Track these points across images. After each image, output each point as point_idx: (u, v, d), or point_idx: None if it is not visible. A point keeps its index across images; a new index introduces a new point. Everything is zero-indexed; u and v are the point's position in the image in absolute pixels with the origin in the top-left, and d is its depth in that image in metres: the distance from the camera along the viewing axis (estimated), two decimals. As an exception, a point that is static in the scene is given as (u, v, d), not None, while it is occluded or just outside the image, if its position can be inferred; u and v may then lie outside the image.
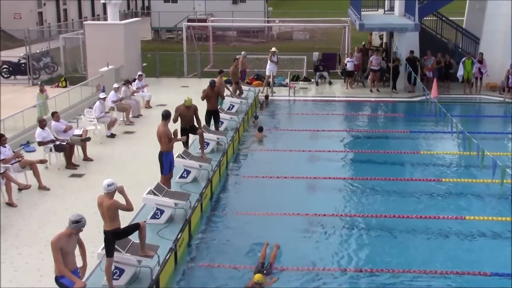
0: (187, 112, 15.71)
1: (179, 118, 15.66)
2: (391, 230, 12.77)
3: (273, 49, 27.13)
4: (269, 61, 26.37)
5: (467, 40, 28.38)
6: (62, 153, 16.17)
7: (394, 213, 13.47)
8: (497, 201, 14.36)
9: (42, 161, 15.33)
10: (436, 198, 14.65)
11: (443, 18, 29.24)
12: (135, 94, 22.38)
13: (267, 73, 26.45)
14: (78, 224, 8.62)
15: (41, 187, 14.43)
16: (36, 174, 14.52)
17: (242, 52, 26.33)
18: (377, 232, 12.73)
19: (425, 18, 28.32)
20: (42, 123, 16.15)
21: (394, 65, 25.49)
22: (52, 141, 16.04)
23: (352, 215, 13.71)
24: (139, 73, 24.35)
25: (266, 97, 24.81)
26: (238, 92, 23.09)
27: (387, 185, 15.33)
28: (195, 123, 16.04)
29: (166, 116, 13.44)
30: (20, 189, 14.12)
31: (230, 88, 22.60)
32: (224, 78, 21.63)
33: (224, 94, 20.28)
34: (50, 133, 16.22)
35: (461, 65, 25.33)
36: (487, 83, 25.89)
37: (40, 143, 16.12)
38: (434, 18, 29.30)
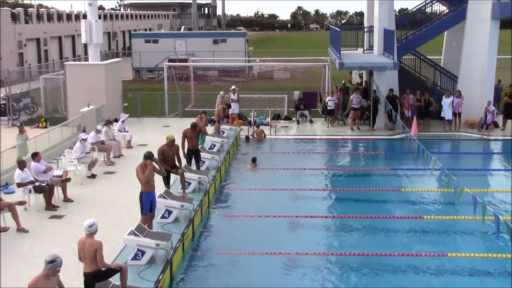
0: (169, 152, 15.73)
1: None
2: (373, 268, 12.71)
3: (233, 87, 27.22)
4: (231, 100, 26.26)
5: (445, 78, 28.80)
6: (41, 194, 15.97)
7: (376, 251, 13.44)
8: (479, 238, 14.40)
9: (21, 203, 15.13)
10: (418, 235, 14.66)
11: (421, 57, 29.73)
12: (115, 135, 22.27)
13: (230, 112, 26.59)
14: (53, 264, 8.49)
15: (20, 229, 14.20)
16: (15, 216, 14.31)
17: (221, 92, 26.53)
18: (359, 270, 12.66)
19: (403, 57, 28.78)
20: (21, 164, 16.00)
21: (373, 103, 25.76)
22: (31, 182, 15.87)
23: (334, 254, 13.64)
24: (125, 116, 24.29)
25: (247, 138, 24.97)
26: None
27: (369, 223, 15.31)
28: (177, 163, 16.06)
29: (146, 156, 13.25)
30: (-2, 232, 13.92)
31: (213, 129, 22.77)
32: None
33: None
34: (29, 174, 16.05)
35: (445, 106, 25.53)
36: (466, 120, 26.24)
37: (19, 185, 15.95)
38: (412, 57, 29.77)
